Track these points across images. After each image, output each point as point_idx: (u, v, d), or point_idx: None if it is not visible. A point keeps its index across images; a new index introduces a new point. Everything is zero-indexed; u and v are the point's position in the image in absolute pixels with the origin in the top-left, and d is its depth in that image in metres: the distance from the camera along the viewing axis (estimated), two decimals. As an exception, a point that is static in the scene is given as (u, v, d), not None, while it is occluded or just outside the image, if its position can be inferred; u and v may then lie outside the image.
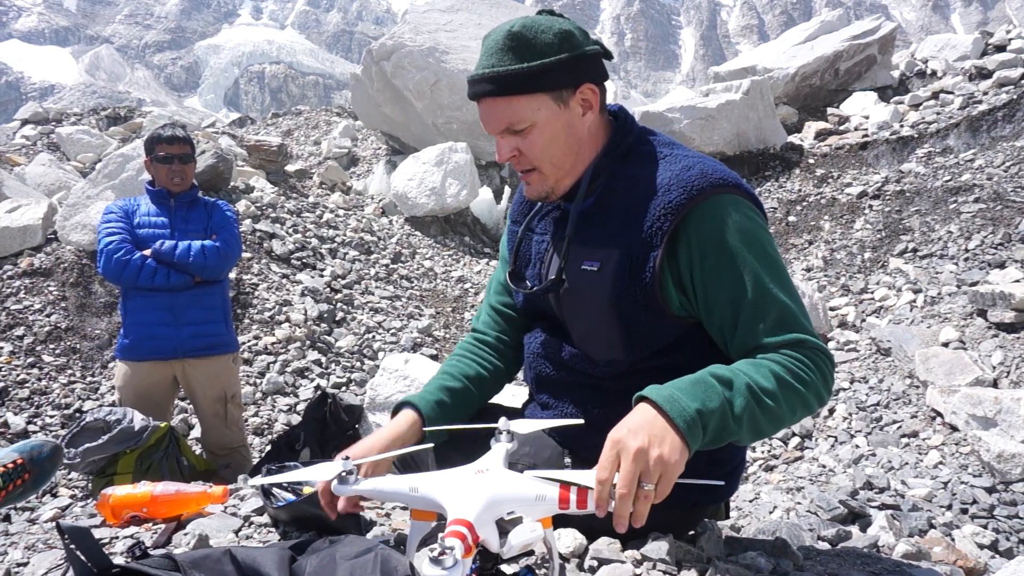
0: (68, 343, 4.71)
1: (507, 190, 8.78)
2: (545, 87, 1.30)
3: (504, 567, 1.07)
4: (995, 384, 3.28)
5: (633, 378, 1.30)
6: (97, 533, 1.65)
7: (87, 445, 2.72)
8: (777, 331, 1.24)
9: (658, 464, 1.02)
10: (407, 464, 1.68)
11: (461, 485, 1.07)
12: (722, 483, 1.11)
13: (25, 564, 1.52)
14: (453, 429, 1.47)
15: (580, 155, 1.38)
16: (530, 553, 1.20)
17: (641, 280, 1.29)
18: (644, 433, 1.04)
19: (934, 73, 9.48)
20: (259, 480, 1.45)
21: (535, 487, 1.05)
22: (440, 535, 0.92)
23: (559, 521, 1.20)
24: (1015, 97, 6.81)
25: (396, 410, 1.50)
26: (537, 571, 1.09)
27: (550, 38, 1.29)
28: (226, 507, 1.80)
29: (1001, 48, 8.87)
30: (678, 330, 1.34)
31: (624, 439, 1.04)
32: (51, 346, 4.63)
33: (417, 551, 1.16)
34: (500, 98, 1.30)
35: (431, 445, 1.46)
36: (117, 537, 1.66)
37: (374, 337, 5.47)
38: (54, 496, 3.39)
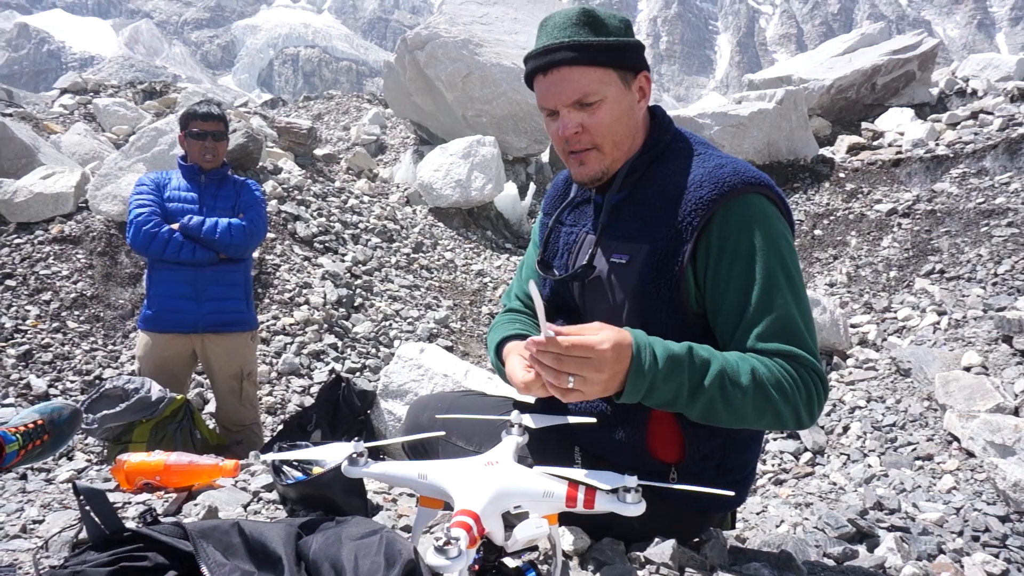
0: (92, 311, 4.79)
1: (532, 186, 8.77)
2: (617, 64, 1.34)
3: (507, 560, 1.08)
4: (1016, 412, 3.22)
5: None
6: (111, 498, 1.69)
7: (105, 412, 2.77)
8: (774, 339, 1.23)
9: (597, 383, 1.11)
10: (417, 451, 1.70)
11: (470, 476, 1.08)
12: (732, 493, 1.10)
13: (40, 521, 1.56)
14: (467, 419, 1.49)
15: (635, 141, 1.42)
16: (533, 548, 1.21)
17: (667, 276, 1.30)
18: (609, 370, 1.11)
19: (975, 92, 9.31)
20: (271, 456, 1.48)
21: (543, 483, 1.06)
22: (446, 524, 0.93)
23: (564, 519, 1.20)
24: (1056, 122, 6.67)
25: (506, 341, 1.52)
26: (540, 567, 1.09)
27: (617, 23, 1.36)
28: (236, 481, 1.83)
29: (1045, 71, 8.69)
30: (693, 331, 1.33)
31: (608, 352, 1.10)
32: (76, 313, 4.72)
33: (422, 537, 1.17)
34: (577, 67, 1.32)
35: (443, 432, 1.48)
36: (130, 502, 1.69)
37: (391, 325, 5.51)
38: (70, 459, 3.46)
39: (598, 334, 1.12)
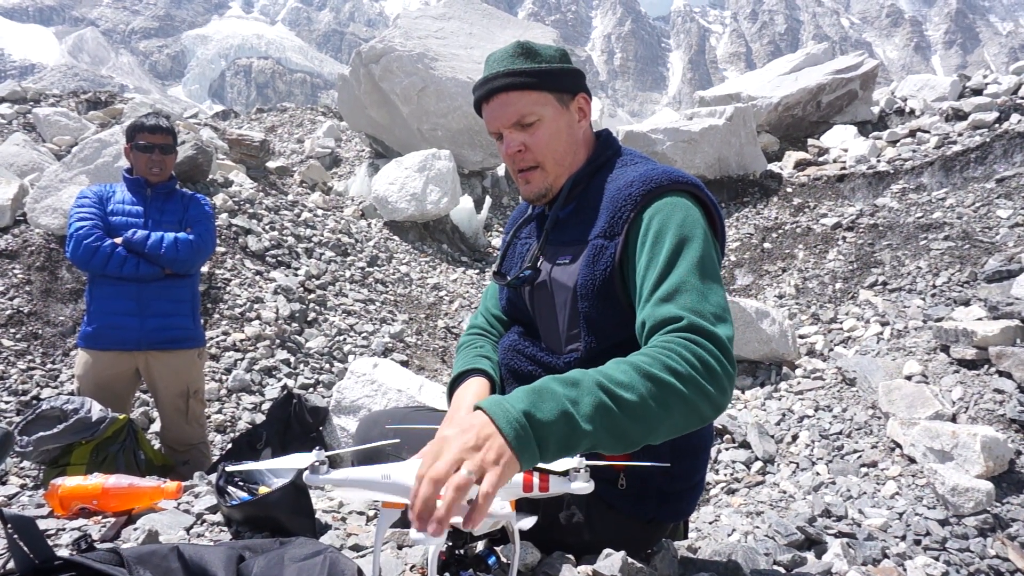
0: (30, 328, 4.60)
1: (488, 200, 8.79)
2: (551, 87, 1.47)
3: (471, 545, 1.12)
4: (954, 419, 3.34)
5: None
6: (44, 524, 1.61)
7: (41, 433, 2.66)
8: (666, 304, 1.19)
9: (480, 462, 0.91)
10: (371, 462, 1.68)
11: None
12: (668, 464, 1.15)
13: (-35, 552, 1.48)
14: (417, 429, 1.50)
15: (576, 157, 1.52)
16: (503, 540, 1.22)
17: (601, 268, 1.36)
18: (473, 432, 0.95)
19: (912, 112, 9.71)
20: (234, 467, 1.45)
21: None
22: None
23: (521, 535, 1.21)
24: (988, 140, 6.99)
25: (459, 379, 1.53)
26: (499, 552, 1.14)
27: (553, 52, 1.50)
28: (179, 503, 1.77)
29: (978, 92, 9.11)
30: (630, 327, 1.35)
31: (450, 435, 0.96)
32: (12, 330, 4.52)
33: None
34: (514, 92, 1.45)
35: (398, 440, 1.48)
36: (64, 529, 1.62)
37: (345, 340, 5.43)
38: (3, 484, 3.30)
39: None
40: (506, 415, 0.96)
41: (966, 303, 4.34)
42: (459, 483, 0.88)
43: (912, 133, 8.45)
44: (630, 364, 1.07)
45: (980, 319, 3.82)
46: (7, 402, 4.00)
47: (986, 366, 3.54)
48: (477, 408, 1.00)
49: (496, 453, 0.92)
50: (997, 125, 7.55)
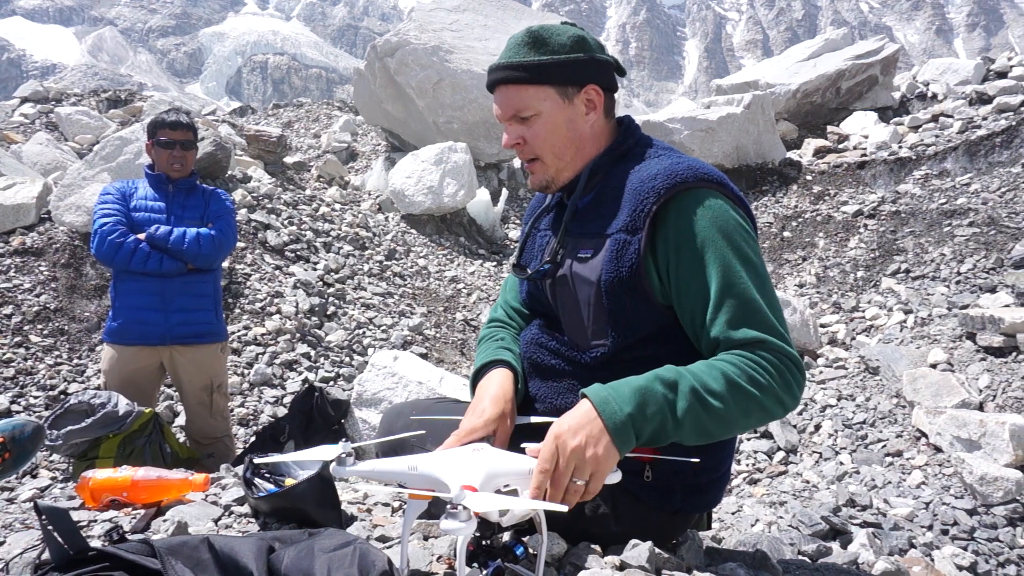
0: (56, 324, 4.67)
1: (504, 192, 8.78)
2: (552, 81, 1.41)
3: (499, 536, 1.14)
4: (981, 407, 3.29)
5: (617, 368, 1.33)
6: (75, 516, 1.64)
7: (70, 427, 2.70)
8: (740, 326, 1.25)
9: (591, 462, 1.12)
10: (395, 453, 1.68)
11: (461, 461, 1.13)
12: (696, 460, 1.22)
13: (1, 543, 1.51)
14: (442, 420, 1.50)
15: (581, 151, 1.47)
16: (530, 531, 1.22)
17: (626, 263, 1.34)
18: (583, 433, 1.13)
19: (935, 96, 9.54)
20: (262, 459, 1.47)
21: (528, 462, 1.14)
22: (447, 503, 0.98)
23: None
24: (1014, 124, 6.86)
25: (482, 371, 1.53)
26: (526, 543, 1.14)
27: (564, 40, 1.42)
28: (207, 495, 1.79)
29: (1002, 75, 8.94)
30: (661, 320, 1.35)
31: (564, 435, 1.14)
32: (39, 326, 4.60)
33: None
34: (511, 86, 1.43)
35: (423, 432, 1.49)
36: (95, 520, 1.65)
37: (364, 333, 5.46)
38: (34, 477, 3.36)
39: (551, 432, 1.16)
40: (613, 417, 1.14)
41: (992, 290, 4.28)
42: (576, 490, 1.12)
43: (935, 118, 8.31)
44: (722, 373, 1.21)
45: (1007, 306, 3.76)
46: (36, 397, 4.07)
47: (1014, 354, 3.49)
48: (584, 396, 1.19)
49: (603, 451, 1.13)
50: (1023, 108, 7.40)
